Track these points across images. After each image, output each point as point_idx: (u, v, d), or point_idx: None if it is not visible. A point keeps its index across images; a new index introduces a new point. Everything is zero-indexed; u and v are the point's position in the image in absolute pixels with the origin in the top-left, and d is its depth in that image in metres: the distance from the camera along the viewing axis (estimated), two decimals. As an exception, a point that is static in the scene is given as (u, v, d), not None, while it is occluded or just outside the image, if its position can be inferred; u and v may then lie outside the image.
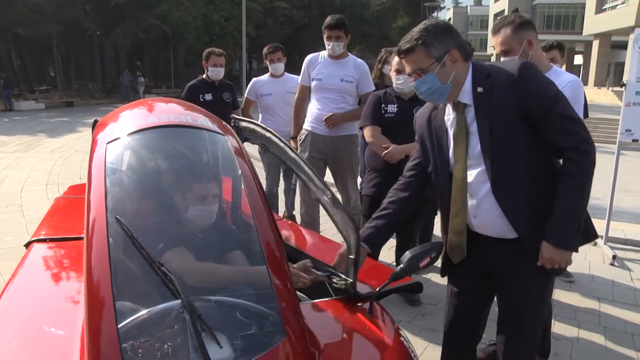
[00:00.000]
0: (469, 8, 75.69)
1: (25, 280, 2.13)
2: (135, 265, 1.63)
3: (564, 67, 3.98)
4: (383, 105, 3.51)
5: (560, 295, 3.98)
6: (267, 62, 4.99)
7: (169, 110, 2.24)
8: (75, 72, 37.91)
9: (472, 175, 1.94)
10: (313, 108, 4.20)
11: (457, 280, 2.21)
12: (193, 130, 2.08)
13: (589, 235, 2.21)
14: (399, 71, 3.41)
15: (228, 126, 2.40)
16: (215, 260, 1.83)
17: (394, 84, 3.51)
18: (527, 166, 1.88)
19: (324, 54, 4.15)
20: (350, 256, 1.98)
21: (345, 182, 4.20)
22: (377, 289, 1.86)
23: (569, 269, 4.43)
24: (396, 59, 3.40)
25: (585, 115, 3.76)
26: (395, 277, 1.84)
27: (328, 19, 4.05)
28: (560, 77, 2.66)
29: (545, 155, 1.89)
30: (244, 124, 2.48)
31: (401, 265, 1.84)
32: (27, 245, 2.56)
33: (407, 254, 1.85)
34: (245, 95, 5.22)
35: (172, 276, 1.52)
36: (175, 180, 1.94)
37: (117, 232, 1.64)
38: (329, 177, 4.35)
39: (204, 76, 5.09)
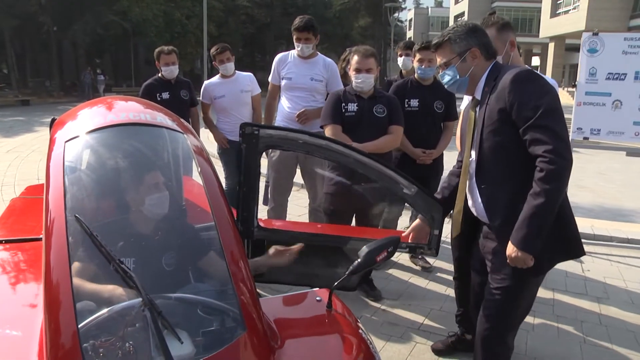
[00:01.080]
0: (429, 9, 76.93)
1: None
2: (95, 264, 1.63)
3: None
4: (343, 104, 3.53)
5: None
6: (217, 64, 4.89)
7: (128, 109, 2.24)
8: (31, 70, 36.67)
9: (471, 162, 2.24)
10: (283, 107, 4.22)
11: (471, 259, 2.54)
12: (152, 128, 2.08)
13: (573, 251, 2.20)
14: (359, 70, 3.45)
15: (187, 124, 2.41)
16: (175, 258, 1.84)
17: (353, 83, 3.54)
18: (508, 163, 2.08)
19: (293, 53, 4.18)
20: (435, 231, 2.48)
21: (314, 180, 4.22)
22: (335, 283, 1.91)
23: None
24: (355, 57, 3.47)
25: None
26: (352, 271, 1.88)
27: (297, 21, 4.07)
28: None
29: (532, 157, 2.00)
30: (269, 131, 2.47)
31: (358, 260, 1.89)
32: (-19, 246, 2.50)
33: (364, 249, 1.90)
34: (201, 99, 5.15)
35: (132, 274, 1.53)
36: (134, 179, 1.94)
37: (77, 230, 1.64)
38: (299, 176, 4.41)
39: (159, 75, 5.02)
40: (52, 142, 2.10)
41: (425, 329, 3.42)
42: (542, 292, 4.04)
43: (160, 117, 2.20)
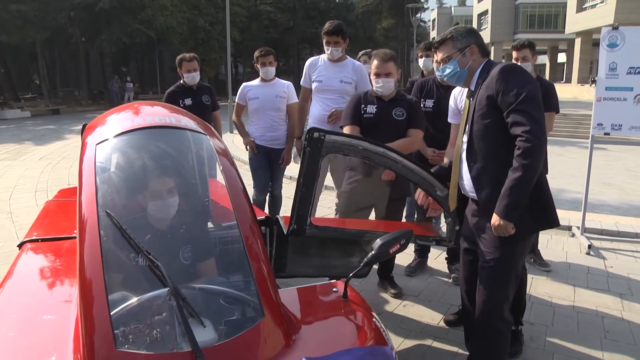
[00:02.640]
0: (452, 8, 76.29)
1: (19, 277, 2.24)
2: (125, 256, 1.76)
3: (531, 65, 4.12)
4: (362, 105, 3.60)
5: (537, 284, 4.14)
6: (258, 66, 4.88)
7: (154, 113, 2.37)
8: (61, 79, 37.75)
9: (463, 144, 2.53)
10: (314, 109, 4.34)
11: (462, 239, 2.77)
12: (177, 130, 2.21)
13: (549, 221, 2.49)
14: (378, 75, 3.53)
15: (210, 127, 2.53)
16: (198, 253, 1.96)
17: (373, 87, 3.62)
18: (494, 143, 2.38)
19: (323, 57, 4.31)
20: (456, 227, 2.86)
21: (341, 179, 4.28)
22: (351, 274, 2.00)
23: (547, 258, 4.62)
24: (375, 62, 3.55)
25: (552, 109, 3.96)
26: (366, 264, 1.98)
27: (327, 25, 4.20)
28: None
29: (513, 137, 2.29)
30: (334, 137, 2.62)
31: (372, 252, 1.98)
32: (20, 245, 2.67)
33: (378, 241, 1.99)
34: (236, 100, 5.20)
35: (159, 264, 1.65)
36: (160, 177, 2.06)
37: (108, 225, 1.77)
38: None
39: (182, 82, 5.15)
40: (83, 145, 2.25)
41: (444, 325, 3.47)
42: (562, 288, 4.07)
43: (185, 120, 2.33)
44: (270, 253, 2.90)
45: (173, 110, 2.51)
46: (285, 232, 2.67)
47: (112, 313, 1.63)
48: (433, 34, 66.53)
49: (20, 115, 23.36)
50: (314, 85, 4.32)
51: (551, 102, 3.97)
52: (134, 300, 1.71)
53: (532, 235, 2.56)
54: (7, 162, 10.84)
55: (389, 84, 3.55)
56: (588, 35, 33.88)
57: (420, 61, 4.67)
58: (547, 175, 3.05)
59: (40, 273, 2.30)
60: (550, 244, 5.16)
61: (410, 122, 3.59)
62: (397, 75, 3.62)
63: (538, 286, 4.10)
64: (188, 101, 5.04)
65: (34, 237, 2.72)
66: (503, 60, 3.92)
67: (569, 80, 37.08)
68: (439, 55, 2.60)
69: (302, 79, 4.48)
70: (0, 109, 24.16)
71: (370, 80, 4.48)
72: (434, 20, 72.85)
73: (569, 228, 5.60)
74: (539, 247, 4.69)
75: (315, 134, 2.55)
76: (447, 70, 2.55)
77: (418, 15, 45.02)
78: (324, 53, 4.30)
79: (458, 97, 3.10)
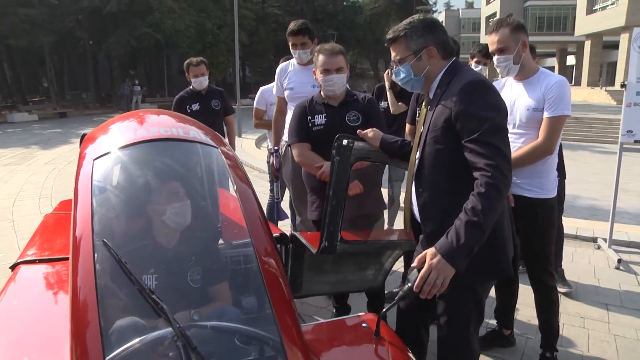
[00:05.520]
0: (460, 11, 76.02)
1: (8, 306, 2.02)
2: (124, 293, 1.52)
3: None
4: (309, 117, 3.07)
5: (567, 303, 3.86)
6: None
7: (159, 123, 2.15)
8: (69, 83, 37.79)
9: (415, 162, 2.11)
10: (289, 119, 3.79)
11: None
12: (184, 143, 1.98)
13: (497, 270, 2.00)
14: (327, 71, 2.97)
15: (221, 137, 2.30)
16: (210, 282, 1.73)
17: (322, 87, 3.06)
18: (446, 173, 1.95)
19: (293, 61, 3.89)
20: None
21: (303, 202, 3.94)
22: (384, 309, 1.76)
23: (573, 273, 4.35)
24: (321, 57, 3.00)
25: None
26: (401, 298, 1.73)
27: (291, 25, 3.78)
28: (548, 77, 2.77)
29: (470, 170, 1.86)
30: (361, 144, 2.39)
31: (408, 284, 1.73)
32: (14, 267, 2.45)
33: (415, 272, 1.74)
34: (255, 105, 5.02)
35: (163, 305, 1.41)
36: (166, 199, 1.83)
37: (104, 256, 1.54)
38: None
39: (190, 87, 4.99)
40: (81, 158, 2.03)
41: None
42: (594, 307, 3.80)
43: (194, 132, 2.10)
44: (286, 273, 2.70)
45: (180, 120, 2.28)
46: (314, 251, 2.45)
47: (107, 358, 1.40)
48: (441, 37, 66.25)
49: (28, 118, 23.32)
50: (286, 93, 3.88)
51: None
52: (134, 341, 1.47)
53: (482, 283, 2.04)
54: (12, 166, 10.68)
55: (341, 80, 3.00)
56: (598, 37, 33.52)
57: (476, 68, 4.16)
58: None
59: (33, 302, 2.07)
60: (575, 257, 4.89)
61: (368, 125, 2.83)
62: (348, 73, 3.11)
63: (568, 306, 3.83)
64: (195, 106, 4.89)
65: (28, 258, 2.50)
66: (536, 59, 3.58)
67: (578, 83, 36.69)
68: (392, 55, 2.14)
69: (275, 88, 4.06)
70: (8, 112, 24.14)
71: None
72: (442, 22, 72.62)
73: (594, 240, 5.32)
74: (563, 262, 4.39)
75: (345, 141, 2.32)
76: (400, 75, 2.08)
77: (426, 17, 44.63)
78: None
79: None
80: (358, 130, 2.44)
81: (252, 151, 12.56)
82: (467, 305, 2.00)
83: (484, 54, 4.04)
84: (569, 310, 3.74)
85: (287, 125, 3.74)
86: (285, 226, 4.82)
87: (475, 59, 4.17)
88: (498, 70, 2.86)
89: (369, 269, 3.00)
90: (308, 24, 3.78)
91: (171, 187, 1.86)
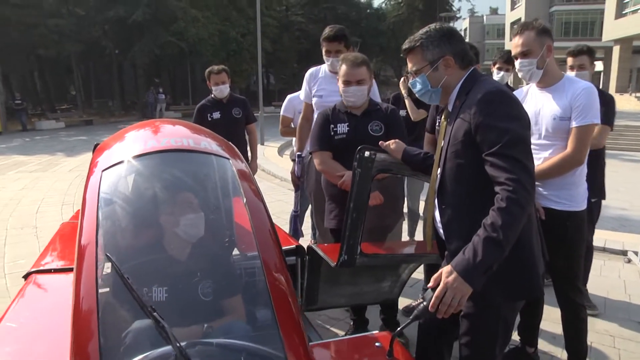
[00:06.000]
0: (485, 17, 75.32)
1: (18, 316, 1.99)
2: (126, 309, 1.47)
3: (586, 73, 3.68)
4: (332, 125, 3.05)
5: (595, 321, 3.68)
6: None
7: (171, 134, 2.11)
8: (96, 90, 38.49)
9: (438, 178, 2.02)
10: None
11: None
12: (195, 154, 1.94)
13: (526, 290, 1.91)
14: (348, 82, 2.95)
15: (234, 149, 2.25)
16: (217, 297, 1.67)
17: (342, 97, 3.05)
18: (468, 188, 1.87)
19: (324, 67, 3.75)
20: None
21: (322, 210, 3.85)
22: (398, 329, 1.67)
23: (602, 288, 4.17)
24: (344, 67, 2.97)
25: (607, 123, 3.55)
26: (416, 317, 1.64)
27: (327, 30, 3.59)
28: (574, 84, 2.62)
29: (492, 184, 1.78)
30: (383, 155, 2.34)
31: (423, 303, 1.64)
32: (27, 276, 2.44)
33: (430, 292, 1.65)
34: (282, 113, 4.92)
35: (164, 323, 1.36)
36: (173, 213, 1.78)
37: (108, 270, 1.50)
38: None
39: (212, 95, 4.96)
40: (90, 169, 2.00)
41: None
42: (625, 325, 3.64)
43: (205, 142, 2.06)
44: (301, 285, 2.64)
45: (193, 131, 2.24)
46: (333, 264, 2.39)
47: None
48: (465, 43, 65.62)
49: (55, 126, 23.82)
50: (314, 100, 3.74)
51: (608, 117, 3.58)
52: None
53: (510, 303, 1.94)
54: (38, 173, 10.87)
55: (362, 92, 2.98)
56: (628, 42, 32.78)
57: (497, 74, 4.05)
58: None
59: (42, 313, 2.04)
60: (603, 271, 4.71)
61: (390, 135, 2.87)
62: (371, 83, 3.07)
63: (596, 323, 3.65)
64: (216, 115, 4.87)
65: (42, 268, 2.49)
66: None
67: (606, 90, 35.87)
68: (408, 66, 2.08)
69: (303, 93, 3.91)
70: (36, 120, 24.70)
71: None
72: (465, 29, 72.08)
73: (624, 252, 5.12)
74: (591, 275, 4.20)
75: (367, 153, 2.27)
76: (417, 87, 2.01)
77: (450, 24, 44.48)
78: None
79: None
80: (380, 142, 2.38)
81: (275, 159, 12.55)
82: (493, 325, 1.90)
83: (505, 60, 3.94)
84: (597, 328, 3.58)
85: None
86: (304, 237, 4.75)
87: (497, 65, 4.06)
88: (520, 75, 2.74)
89: (385, 280, 2.94)
90: (345, 30, 3.61)
91: (180, 199, 1.82)
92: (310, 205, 4.38)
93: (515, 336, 3.18)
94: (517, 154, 1.69)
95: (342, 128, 3.03)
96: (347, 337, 1.87)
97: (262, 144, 14.96)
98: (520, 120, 1.78)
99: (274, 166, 11.08)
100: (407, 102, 4.41)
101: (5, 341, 1.79)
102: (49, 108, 30.77)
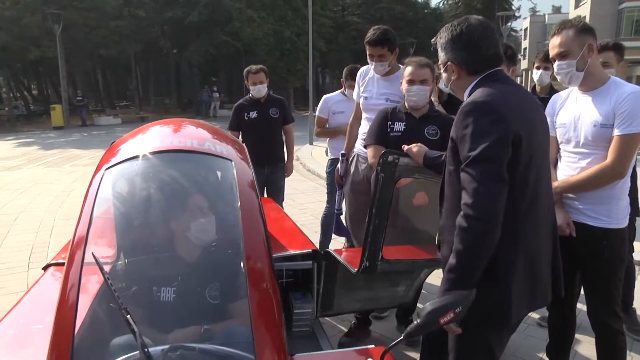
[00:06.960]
0: (547, 16, 72.63)
1: (29, 306, 2.06)
2: (104, 310, 1.48)
3: (615, 71, 3.35)
4: (389, 122, 3.09)
5: (638, 346, 3.42)
6: (344, 83, 4.61)
7: (177, 134, 2.12)
8: (154, 89, 39.89)
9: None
10: (362, 128, 3.66)
11: None
12: (195, 154, 1.93)
13: (499, 319, 1.78)
14: (412, 82, 2.98)
15: (243, 150, 2.23)
16: (196, 305, 1.64)
17: (405, 97, 3.07)
18: (456, 194, 1.77)
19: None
20: None
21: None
22: (389, 346, 1.59)
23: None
24: (409, 68, 3.03)
25: None
26: (408, 335, 1.55)
27: (369, 33, 3.43)
28: (620, 88, 2.32)
29: None
30: (406, 160, 2.33)
31: (417, 321, 1.54)
32: (45, 268, 2.52)
33: (427, 306, 1.54)
34: (317, 113, 4.90)
35: (135, 327, 1.34)
36: (164, 214, 1.78)
37: (92, 270, 1.51)
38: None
39: (250, 95, 4.98)
40: (98, 166, 2.04)
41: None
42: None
43: (209, 143, 2.05)
44: (318, 291, 2.63)
45: (204, 131, 2.23)
46: (354, 271, 2.37)
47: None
48: (525, 44, 63.76)
49: (112, 122, 24.92)
50: (360, 100, 3.66)
51: None
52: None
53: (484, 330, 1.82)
54: (91, 167, 11.22)
55: (424, 92, 2.99)
56: (703, 42, 30.72)
57: (536, 74, 3.89)
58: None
59: (52, 305, 2.10)
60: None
61: (446, 141, 2.87)
62: (434, 87, 3.09)
63: (632, 350, 3.28)
64: (253, 114, 4.88)
65: (61, 260, 2.56)
66: (621, 65, 3.25)
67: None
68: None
69: (355, 91, 3.82)
70: (96, 116, 25.89)
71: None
72: (526, 29, 69.71)
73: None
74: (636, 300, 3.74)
75: (390, 157, 2.26)
76: (441, 83, 2.08)
77: (509, 24, 43.17)
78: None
79: (557, 105, 2.54)
80: (403, 146, 2.36)
81: (322, 159, 12.53)
82: (472, 349, 1.82)
83: (542, 58, 3.74)
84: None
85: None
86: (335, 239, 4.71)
87: (535, 65, 3.86)
88: (559, 78, 2.45)
89: (401, 284, 2.89)
90: (389, 33, 3.43)
91: (185, 200, 1.81)
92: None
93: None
94: (478, 173, 1.60)
95: (399, 126, 3.07)
96: (339, 350, 1.80)
97: (311, 143, 14.99)
98: (495, 137, 1.63)
99: (320, 166, 11.04)
100: (436, 106, 4.30)
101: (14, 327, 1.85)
102: (109, 105, 32.16)
